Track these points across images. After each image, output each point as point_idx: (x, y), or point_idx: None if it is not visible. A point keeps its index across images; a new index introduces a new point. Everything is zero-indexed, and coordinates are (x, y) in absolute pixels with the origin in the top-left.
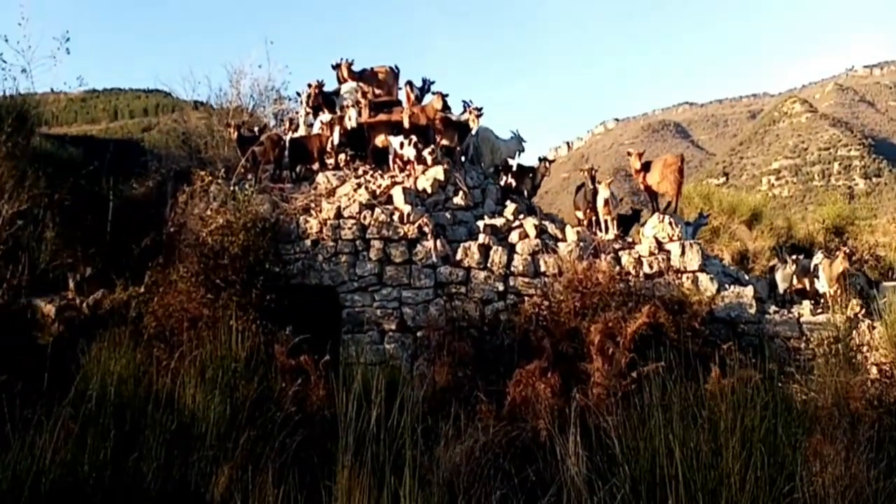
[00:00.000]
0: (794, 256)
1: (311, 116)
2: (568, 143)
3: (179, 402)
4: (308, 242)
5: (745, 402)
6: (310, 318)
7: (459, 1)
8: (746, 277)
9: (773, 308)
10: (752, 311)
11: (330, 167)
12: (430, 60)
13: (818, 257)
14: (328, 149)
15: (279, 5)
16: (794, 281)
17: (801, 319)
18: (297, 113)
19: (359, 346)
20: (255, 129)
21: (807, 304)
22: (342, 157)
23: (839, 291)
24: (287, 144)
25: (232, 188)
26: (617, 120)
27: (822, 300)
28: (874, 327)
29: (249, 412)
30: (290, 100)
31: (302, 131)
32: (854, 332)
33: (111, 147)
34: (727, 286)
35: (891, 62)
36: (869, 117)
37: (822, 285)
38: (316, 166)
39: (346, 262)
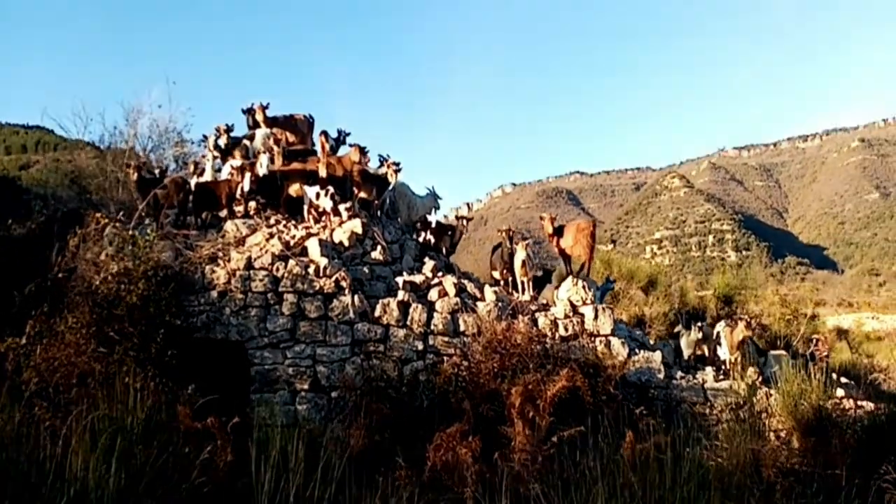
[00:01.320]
0: (698, 324)
1: (218, 161)
2: (468, 204)
3: (69, 472)
4: (214, 294)
5: (658, 469)
6: (215, 377)
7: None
8: (650, 342)
9: (679, 373)
10: (661, 375)
11: (239, 215)
12: (327, 122)
13: (720, 325)
14: (238, 195)
15: (183, 41)
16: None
17: (706, 385)
18: (203, 157)
19: (269, 407)
20: (156, 170)
21: (709, 370)
22: (252, 204)
23: (739, 358)
24: (193, 189)
25: (131, 232)
26: (514, 184)
27: (722, 366)
28: (770, 394)
29: (150, 483)
30: (192, 143)
31: (208, 176)
32: (753, 398)
33: None
34: (636, 351)
35: (757, 145)
36: (739, 195)
37: (723, 352)
38: (224, 213)
39: (256, 316)
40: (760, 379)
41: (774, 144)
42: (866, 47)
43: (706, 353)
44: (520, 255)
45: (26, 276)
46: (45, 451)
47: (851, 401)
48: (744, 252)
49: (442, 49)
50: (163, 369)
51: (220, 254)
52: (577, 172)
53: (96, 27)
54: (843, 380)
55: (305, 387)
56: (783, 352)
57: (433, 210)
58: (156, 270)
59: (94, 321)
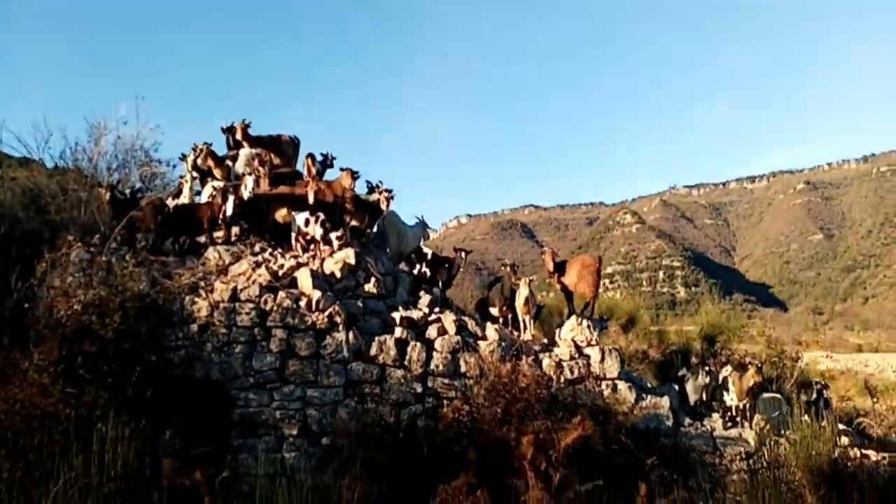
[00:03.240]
0: (705, 368)
1: (197, 182)
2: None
3: None
4: (195, 327)
5: None
6: (194, 419)
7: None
8: (649, 385)
9: (687, 420)
10: (670, 423)
11: (220, 241)
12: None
13: (727, 370)
14: (220, 220)
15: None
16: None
17: (714, 433)
18: (181, 178)
19: (253, 455)
20: (127, 191)
21: (717, 417)
22: (235, 230)
23: (748, 405)
24: (171, 211)
25: (106, 258)
26: (469, 215)
27: (728, 413)
28: (780, 443)
29: None
30: (160, 163)
31: (186, 198)
32: (764, 448)
33: None
34: (643, 396)
35: (706, 184)
36: (689, 232)
37: (730, 398)
38: (203, 239)
39: (240, 354)
40: (768, 426)
41: (724, 184)
42: (814, 92)
43: (704, 398)
44: (522, 293)
45: None
46: None
47: (857, 450)
48: (693, 288)
49: (395, 74)
50: (139, 412)
51: (202, 283)
52: (532, 206)
53: (62, 38)
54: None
55: (294, 432)
56: (776, 395)
57: (422, 240)
58: (133, 301)
59: (63, 358)
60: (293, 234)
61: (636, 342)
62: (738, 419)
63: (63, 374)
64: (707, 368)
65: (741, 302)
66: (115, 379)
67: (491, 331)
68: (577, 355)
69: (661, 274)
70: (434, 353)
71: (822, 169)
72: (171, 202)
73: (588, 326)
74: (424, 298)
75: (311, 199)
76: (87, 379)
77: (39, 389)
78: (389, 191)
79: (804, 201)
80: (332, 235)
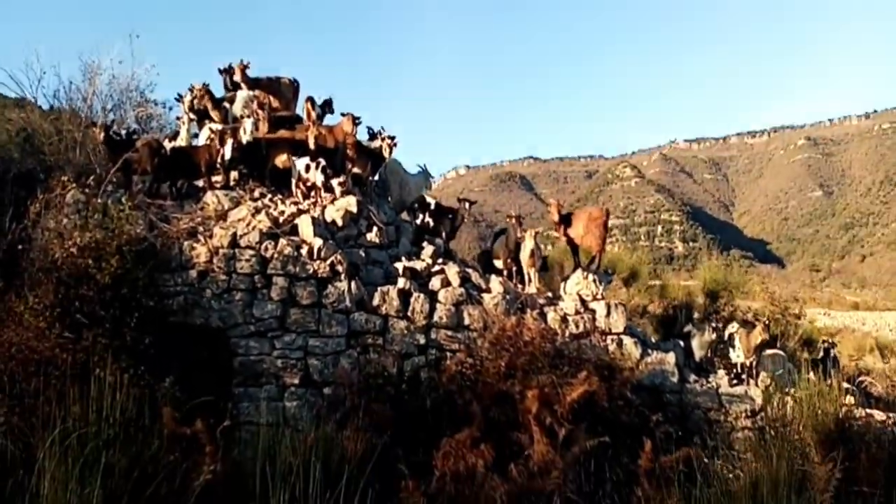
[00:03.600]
0: (711, 324)
1: (194, 124)
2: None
3: (35, 485)
4: (193, 273)
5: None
6: (193, 367)
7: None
8: (653, 340)
9: (692, 377)
10: (675, 379)
11: (217, 186)
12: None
13: (733, 327)
14: (218, 163)
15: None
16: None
17: (720, 390)
18: (178, 118)
19: (254, 404)
20: (123, 132)
21: (722, 373)
22: (234, 175)
23: (754, 363)
24: (168, 154)
25: (102, 201)
26: (468, 167)
27: (734, 370)
28: (786, 402)
29: (129, 501)
30: (156, 104)
31: (183, 141)
32: (769, 406)
33: None
34: (649, 351)
35: (707, 138)
36: (688, 187)
37: (736, 355)
38: (201, 183)
39: (241, 301)
40: (773, 384)
41: (724, 139)
42: (816, 47)
43: (709, 355)
44: (528, 245)
45: None
46: (6, 461)
47: (862, 409)
48: (691, 243)
49: (401, 22)
50: (138, 359)
51: (201, 228)
52: (531, 158)
53: None
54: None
55: (295, 381)
56: (779, 351)
57: (424, 190)
58: (131, 245)
59: (59, 302)
60: (293, 181)
61: (637, 297)
62: (744, 376)
63: (60, 319)
64: (713, 325)
65: (738, 258)
66: (112, 325)
67: (495, 283)
68: (582, 310)
69: (659, 228)
70: (437, 305)
71: (823, 125)
72: (168, 144)
73: (594, 280)
74: (428, 249)
75: (311, 145)
76: (85, 324)
77: (36, 333)
78: (392, 137)
79: (804, 157)
80: (334, 182)
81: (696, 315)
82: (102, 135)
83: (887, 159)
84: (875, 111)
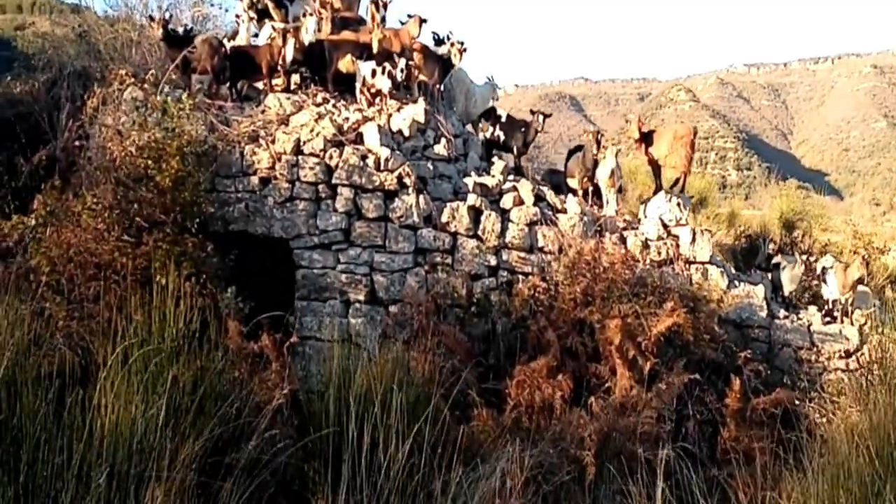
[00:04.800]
0: (803, 256)
1: (253, 24)
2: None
3: (93, 398)
4: (255, 180)
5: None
6: (254, 278)
7: None
8: (732, 271)
9: (782, 312)
10: (763, 314)
11: (278, 89)
12: None
13: (828, 260)
14: (279, 65)
15: None
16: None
17: (812, 328)
18: (237, 17)
19: (316, 318)
20: (181, 29)
21: (814, 310)
22: (295, 78)
23: (851, 300)
24: (228, 53)
25: (161, 99)
26: (516, 85)
27: (825, 307)
28: (886, 343)
29: (195, 419)
30: (212, 4)
31: (242, 40)
32: (865, 346)
33: None
34: (735, 283)
35: (767, 63)
36: (744, 113)
37: (830, 291)
38: (261, 86)
39: (304, 211)
40: (869, 323)
41: (785, 64)
42: None
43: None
44: (608, 163)
45: (31, 142)
46: (65, 373)
47: None
48: (745, 171)
49: None
50: (199, 267)
51: (263, 132)
52: (582, 78)
53: None
54: None
55: (361, 298)
56: (866, 288)
57: (490, 102)
58: (192, 146)
59: (118, 203)
60: (357, 86)
61: (705, 224)
62: (837, 314)
63: (118, 221)
64: (806, 257)
65: (795, 189)
66: (173, 230)
67: (572, 203)
68: (665, 235)
69: (712, 155)
70: (509, 225)
71: (890, 53)
72: (227, 44)
73: (678, 204)
74: (498, 164)
75: (375, 48)
76: (145, 227)
77: (94, 235)
78: (462, 42)
79: (869, 86)
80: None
81: (770, 246)
82: (160, 30)
83: None
84: None
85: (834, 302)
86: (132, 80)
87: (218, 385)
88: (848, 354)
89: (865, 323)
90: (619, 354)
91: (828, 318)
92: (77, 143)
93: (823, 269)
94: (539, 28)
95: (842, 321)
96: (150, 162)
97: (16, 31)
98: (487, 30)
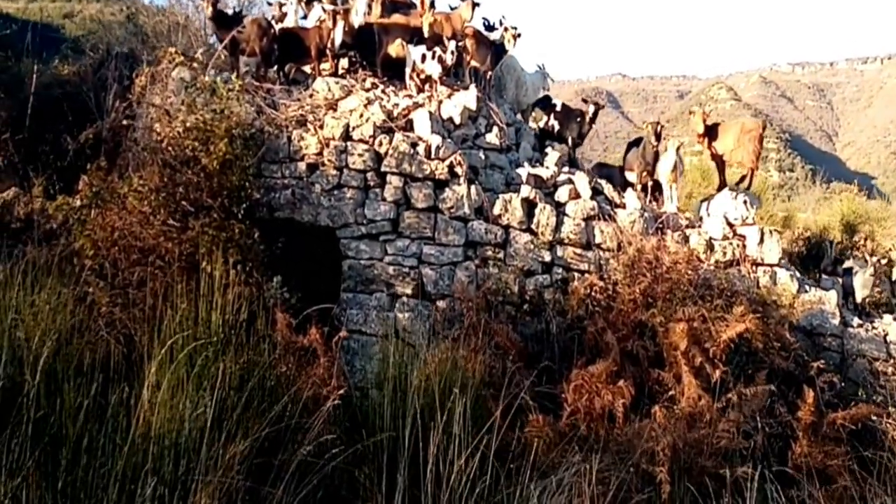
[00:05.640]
0: (873, 259)
1: (302, 6)
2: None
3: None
4: (303, 166)
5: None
6: (300, 267)
7: None
8: (798, 276)
9: (856, 321)
10: (836, 321)
11: (326, 74)
12: None
13: None
14: (328, 48)
15: None
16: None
17: (888, 338)
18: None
19: (363, 311)
20: (230, 11)
21: (889, 318)
22: (343, 62)
23: None
24: (277, 35)
25: (210, 79)
26: (552, 80)
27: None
28: None
29: (241, 416)
30: None
31: (290, 22)
32: None
33: (30, 28)
34: (805, 288)
35: (812, 63)
36: (787, 113)
37: None
38: (309, 70)
39: (352, 199)
40: None
41: (831, 64)
42: None
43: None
44: (670, 157)
45: (78, 123)
46: (110, 356)
47: None
48: (787, 173)
49: None
50: (245, 255)
51: (311, 117)
52: (620, 74)
53: None
54: None
55: (408, 291)
56: None
57: (541, 92)
58: (240, 129)
59: (165, 185)
60: (407, 71)
61: (760, 226)
62: None
63: (164, 204)
64: (877, 260)
65: (839, 192)
66: (219, 215)
67: (632, 198)
68: (730, 235)
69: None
70: (565, 219)
71: None
72: (276, 26)
73: (745, 202)
74: (552, 155)
75: (426, 32)
76: (191, 212)
77: (139, 219)
78: (515, 28)
79: None
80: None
81: (829, 250)
82: (210, 9)
83: None
84: None
85: None
86: (181, 57)
87: (266, 381)
88: None
89: None
90: (686, 361)
91: None
92: (124, 123)
93: None
94: (575, 22)
95: None
96: (197, 144)
97: (64, 19)
98: (524, 22)
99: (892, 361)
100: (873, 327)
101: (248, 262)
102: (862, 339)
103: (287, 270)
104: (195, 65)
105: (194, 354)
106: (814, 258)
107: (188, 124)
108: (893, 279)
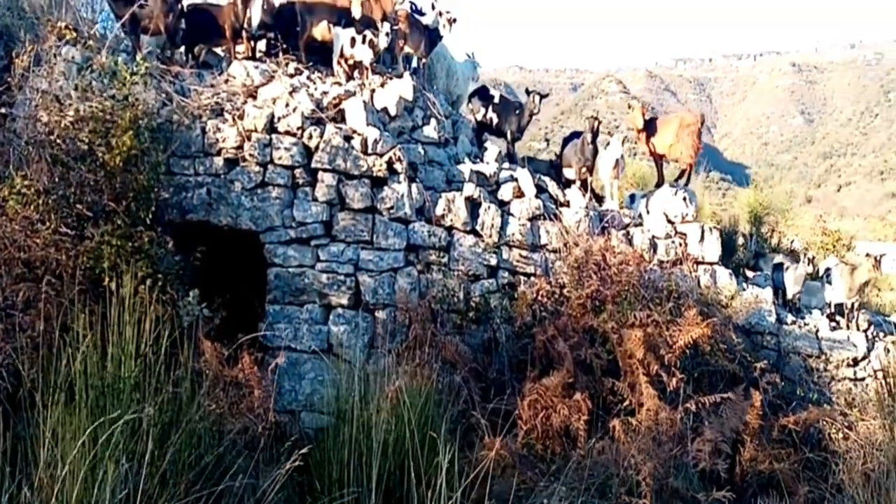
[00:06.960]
0: (807, 256)
1: None
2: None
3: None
4: (220, 161)
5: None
6: (220, 278)
7: None
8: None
9: (790, 318)
10: (772, 319)
11: (240, 57)
12: None
13: (832, 261)
14: (244, 28)
15: None
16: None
17: (819, 334)
18: None
19: (292, 326)
20: None
21: (817, 314)
22: (261, 45)
23: (857, 304)
24: (185, 12)
25: (105, 58)
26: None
27: (827, 310)
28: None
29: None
30: None
31: None
32: (872, 353)
33: None
34: (744, 286)
35: (693, 59)
36: (671, 106)
37: (834, 294)
38: (222, 52)
39: (278, 199)
40: (872, 327)
41: (710, 60)
42: None
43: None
44: (613, 153)
45: None
46: None
47: None
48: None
49: None
50: (157, 268)
51: (228, 106)
52: (517, 66)
53: None
54: None
55: (344, 301)
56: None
57: (471, 82)
58: (147, 119)
59: (55, 186)
60: (335, 56)
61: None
62: (841, 319)
63: (55, 209)
64: (811, 257)
65: (717, 180)
66: (125, 221)
67: (576, 195)
68: (672, 233)
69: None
70: (510, 219)
71: (808, 52)
72: (184, 1)
73: (685, 199)
74: (492, 150)
75: (355, 13)
76: (88, 217)
77: (23, 226)
78: (450, 12)
79: (788, 84)
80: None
81: (740, 241)
82: None
83: (869, 91)
84: (861, 41)
85: (836, 305)
86: (72, 33)
87: (194, 427)
88: (855, 362)
89: (868, 328)
90: (643, 370)
91: (833, 324)
92: (1, 111)
93: (827, 269)
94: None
95: (847, 327)
96: (94, 136)
97: None
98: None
99: (823, 357)
100: (805, 324)
101: (160, 276)
102: (796, 335)
103: (205, 283)
104: (91, 42)
105: (100, 400)
106: (727, 251)
107: (83, 113)
108: (819, 274)
